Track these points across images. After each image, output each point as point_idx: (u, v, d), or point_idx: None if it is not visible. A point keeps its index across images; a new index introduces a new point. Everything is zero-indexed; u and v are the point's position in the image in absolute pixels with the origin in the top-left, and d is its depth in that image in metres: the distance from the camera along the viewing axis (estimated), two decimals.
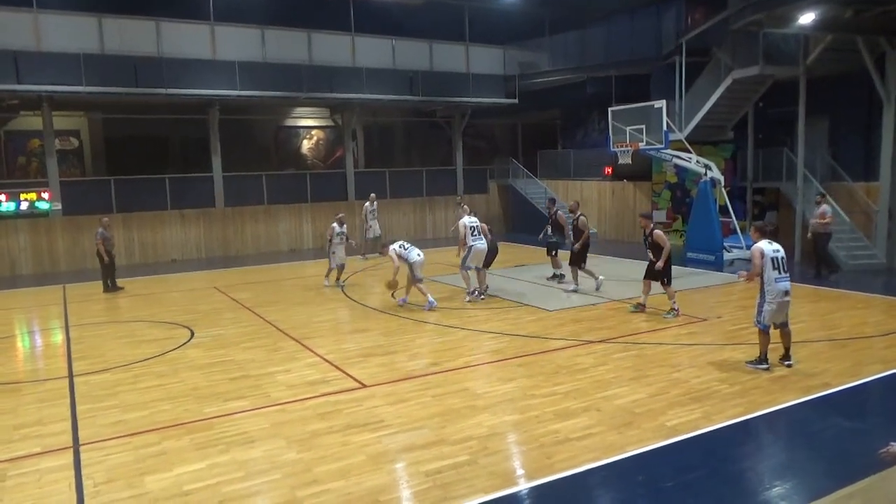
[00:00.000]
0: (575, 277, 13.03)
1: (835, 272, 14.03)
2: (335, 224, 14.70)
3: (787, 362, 7.97)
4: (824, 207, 14.09)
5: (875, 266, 14.97)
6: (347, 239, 14.82)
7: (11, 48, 16.74)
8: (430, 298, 11.79)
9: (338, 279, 14.73)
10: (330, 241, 14.61)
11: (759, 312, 7.82)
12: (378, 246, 17.18)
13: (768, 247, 7.73)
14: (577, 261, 12.85)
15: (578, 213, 13.13)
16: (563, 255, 13.88)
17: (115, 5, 18.34)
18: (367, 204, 19.74)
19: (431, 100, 22.95)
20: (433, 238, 24.49)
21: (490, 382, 7.71)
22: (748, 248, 16.46)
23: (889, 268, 14.97)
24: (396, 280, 11.90)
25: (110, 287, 14.71)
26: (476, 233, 12.42)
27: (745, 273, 8.04)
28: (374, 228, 19.59)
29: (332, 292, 13.89)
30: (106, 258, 14.50)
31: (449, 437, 6.12)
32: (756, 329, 7.95)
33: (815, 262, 14.15)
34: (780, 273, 7.67)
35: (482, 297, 12.54)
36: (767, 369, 7.83)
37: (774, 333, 7.98)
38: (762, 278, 7.70)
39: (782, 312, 7.81)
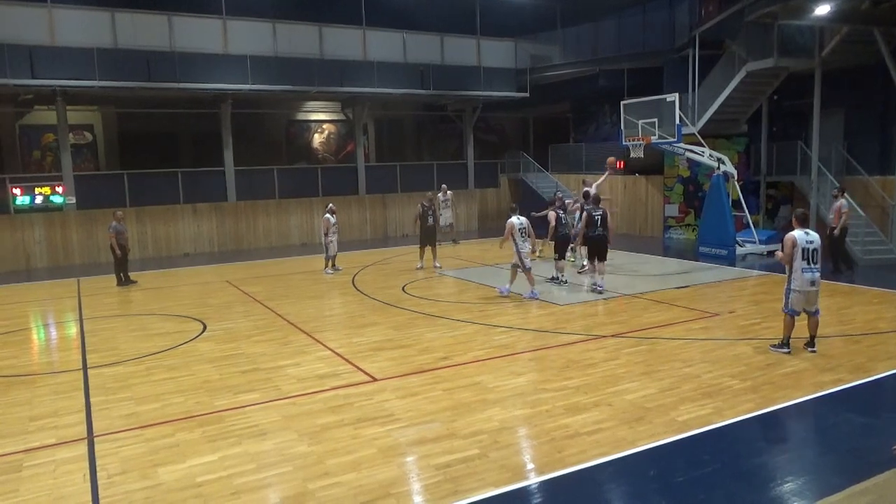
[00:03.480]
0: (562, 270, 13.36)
1: (851, 269, 13.86)
2: (328, 215, 15.51)
3: (811, 349, 8.21)
4: (841, 202, 13.86)
5: (891, 261, 14.80)
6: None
7: (26, 43, 16.89)
8: (534, 289, 11.98)
9: (334, 265, 15.70)
10: (326, 232, 15.46)
11: (787, 298, 8.11)
12: (452, 233, 19.87)
13: (803, 237, 7.98)
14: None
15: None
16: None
17: (128, 0, 18.45)
18: (440, 195, 20.13)
19: (442, 93, 22.92)
20: (444, 232, 24.46)
21: (501, 376, 7.71)
22: (761, 242, 16.50)
23: None
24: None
25: (123, 280, 14.83)
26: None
27: (780, 253, 8.29)
28: (447, 217, 20.10)
29: (342, 286, 13.93)
30: (118, 252, 14.62)
31: (459, 431, 6.13)
32: (783, 314, 8.24)
33: (834, 258, 13.96)
34: (808, 264, 7.93)
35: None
36: (789, 353, 8.12)
37: (800, 324, 8.23)
38: (792, 265, 7.99)
39: (810, 301, 8.09)
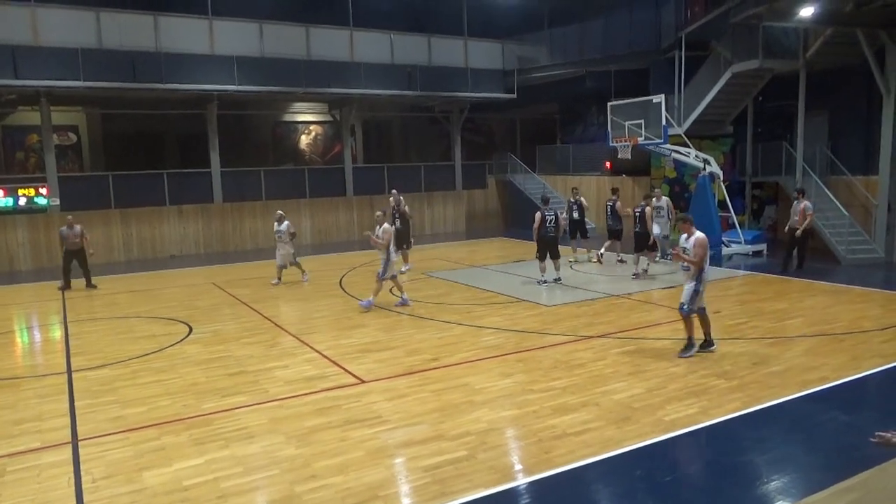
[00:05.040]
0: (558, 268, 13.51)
1: (801, 267, 14.10)
2: (275, 222, 14.26)
3: (712, 347, 8.41)
4: (805, 203, 14.02)
5: (874, 260, 14.97)
6: (294, 236, 14.27)
7: (9, 43, 16.70)
8: (369, 298, 11.60)
9: (279, 277, 14.27)
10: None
11: (692, 300, 8.15)
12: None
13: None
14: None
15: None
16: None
17: (113, 0, 18.30)
18: (391, 199, 19.72)
19: (430, 94, 22.91)
20: (431, 233, 24.50)
21: (488, 378, 7.71)
22: (746, 242, 16.62)
23: (888, 262, 14.97)
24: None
25: (84, 285, 14.55)
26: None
27: (687, 259, 8.19)
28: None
29: (329, 288, 13.85)
30: (60, 255, 14.53)
31: (447, 433, 6.12)
32: (684, 317, 8.33)
33: (799, 257, 14.12)
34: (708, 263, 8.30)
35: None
36: (715, 348, 8.35)
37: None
38: (702, 267, 8.13)
39: (703, 298, 8.32)
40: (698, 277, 8.13)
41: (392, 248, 11.57)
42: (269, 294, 13.35)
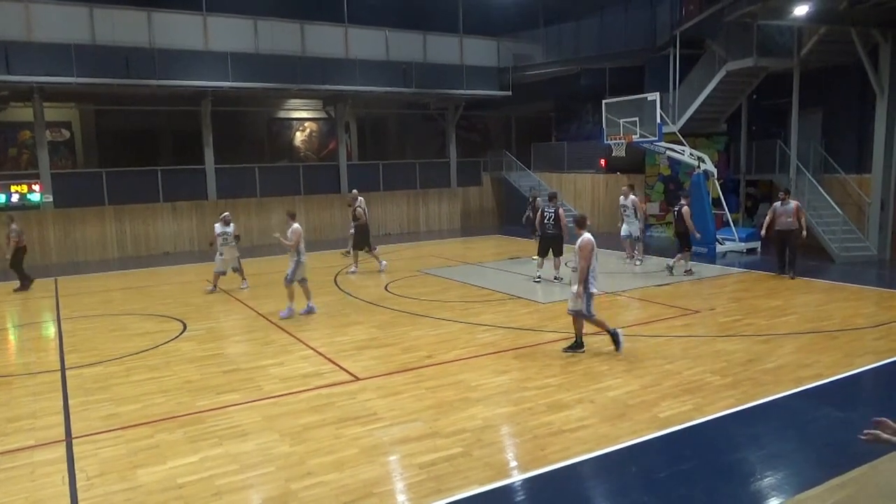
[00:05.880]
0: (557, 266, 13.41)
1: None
2: (217, 223, 13.42)
3: (581, 349, 8.46)
4: (796, 203, 13.33)
5: (867, 258, 15.04)
6: (238, 239, 13.57)
7: (2, 38, 16.59)
8: (292, 305, 11.05)
9: (215, 283, 13.41)
10: (211, 243, 13.61)
11: (590, 302, 8.21)
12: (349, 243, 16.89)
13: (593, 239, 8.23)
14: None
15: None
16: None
17: None
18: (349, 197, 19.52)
19: (425, 92, 22.88)
20: (426, 231, 24.50)
21: (484, 375, 7.72)
22: (741, 240, 16.67)
23: (881, 259, 15.04)
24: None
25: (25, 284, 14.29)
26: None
27: (575, 267, 8.24)
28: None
29: (325, 285, 13.81)
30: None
31: (443, 430, 6.13)
32: (591, 321, 8.39)
33: (791, 260, 13.28)
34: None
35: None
36: (584, 351, 8.42)
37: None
38: (588, 269, 8.11)
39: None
40: (586, 281, 8.09)
41: (302, 248, 10.81)
42: (263, 291, 13.30)
